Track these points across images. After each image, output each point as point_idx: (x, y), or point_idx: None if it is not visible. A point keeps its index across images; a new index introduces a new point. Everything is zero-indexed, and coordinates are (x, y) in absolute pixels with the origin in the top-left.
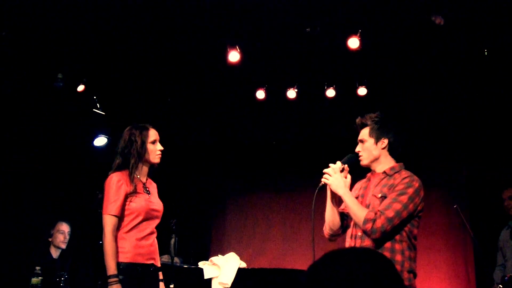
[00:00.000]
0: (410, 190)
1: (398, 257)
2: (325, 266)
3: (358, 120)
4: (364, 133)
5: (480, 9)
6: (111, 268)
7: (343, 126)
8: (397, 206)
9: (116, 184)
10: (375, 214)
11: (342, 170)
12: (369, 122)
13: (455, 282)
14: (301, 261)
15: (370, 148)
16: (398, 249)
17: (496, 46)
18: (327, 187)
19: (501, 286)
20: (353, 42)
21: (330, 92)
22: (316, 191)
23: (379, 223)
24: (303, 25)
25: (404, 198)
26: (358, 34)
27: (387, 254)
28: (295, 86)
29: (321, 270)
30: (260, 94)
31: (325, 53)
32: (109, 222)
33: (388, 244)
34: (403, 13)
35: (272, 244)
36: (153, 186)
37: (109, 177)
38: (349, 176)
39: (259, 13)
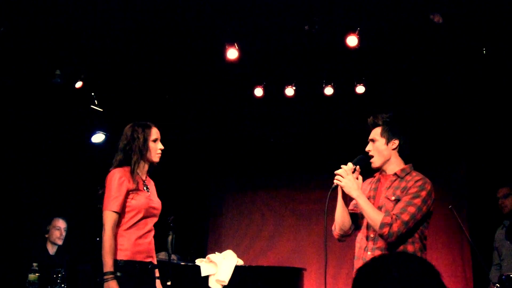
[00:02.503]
0: (423, 193)
1: None
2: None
3: (370, 119)
4: (376, 132)
5: (478, 7)
6: (108, 265)
7: (342, 124)
8: (412, 209)
9: (118, 180)
10: (391, 218)
11: (353, 171)
12: (380, 122)
13: (452, 281)
14: (299, 259)
15: (381, 148)
16: (411, 251)
17: (495, 44)
18: (339, 188)
19: (498, 285)
20: (352, 40)
21: (328, 90)
22: (329, 192)
23: (395, 227)
24: (302, 23)
25: (418, 201)
26: (357, 32)
27: None
28: (293, 84)
29: (369, 274)
30: (258, 92)
31: (323, 51)
32: (109, 218)
33: (401, 247)
34: (401, 11)
35: (269, 242)
36: (151, 184)
37: (111, 172)
38: (360, 177)
39: (258, 11)
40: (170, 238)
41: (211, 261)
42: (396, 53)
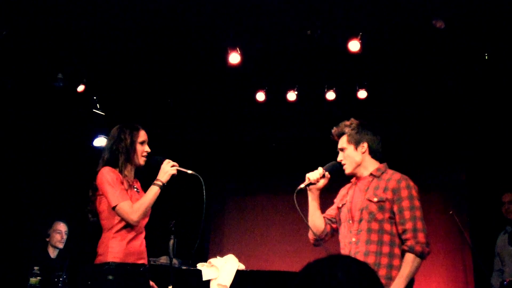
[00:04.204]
0: (414, 191)
1: (396, 262)
2: (316, 272)
3: (334, 130)
4: (343, 141)
5: (480, 13)
6: (160, 181)
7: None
8: (418, 213)
9: (112, 176)
10: (410, 239)
11: (323, 176)
12: (346, 130)
13: (453, 286)
14: (300, 263)
15: (352, 154)
16: (397, 254)
17: (496, 49)
18: (309, 191)
19: None
20: (354, 45)
21: (330, 95)
22: (295, 194)
23: (421, 238)
24: (304, 27)
25: (416, 202)
26: (359, 37)
27: (385, 259)
28: (295, 88)
29: (312, 275)
30: (260, 96)
31: (325, 56)
32: (126, 207)
33: (386, 249)
34: (404, 16)
35: (271, 246)
36: (139, 186)
37: (102, 170)
38: (322, 181)
39: (260, 15)
40: (171, 242)
41: (212, 265)
42: (398, 58)
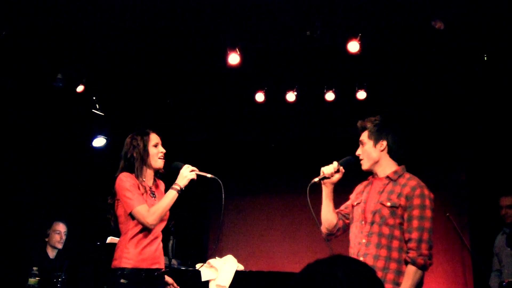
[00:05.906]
0: (427, 201)
1: (405, 268)
2: (318, 271)
3: (359, 123)
4: (364, 135)
5: (480, 13)
6: (178, 186)
7: (342, 129)
8: (427, 224)
9: (129, 181)
10: (415, 249)
11: (337, 171)
12: (368, 125)
13: (452, 287)
14: (300, 264)
15: (369, 150)
16: (403, 258)
17: (496, 49)
18: (323, 186)
19: None
20: (353, 46)
21: (330, 96)
22: (308, 186)
23: (425, 250)
24: (304, 27)
25: (428, 212)
26: (358, 38)
27: (394, 264)
28: (295, 89)
29: (314, 275)
30: (260, 97)
31: (325, 56)
32: (142, 211)
33: (395, 255)
34: (403, 17)
35: (270, 247)
36: (160, 188)
37: (120, 177)
38: (337, 175)
39: (260, 15)
40: (170, 243)
41: (211, 266)
42: (396, 55)
